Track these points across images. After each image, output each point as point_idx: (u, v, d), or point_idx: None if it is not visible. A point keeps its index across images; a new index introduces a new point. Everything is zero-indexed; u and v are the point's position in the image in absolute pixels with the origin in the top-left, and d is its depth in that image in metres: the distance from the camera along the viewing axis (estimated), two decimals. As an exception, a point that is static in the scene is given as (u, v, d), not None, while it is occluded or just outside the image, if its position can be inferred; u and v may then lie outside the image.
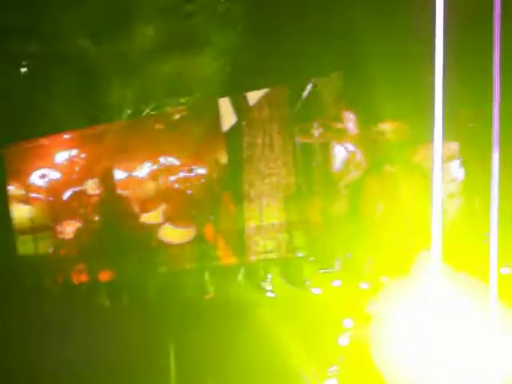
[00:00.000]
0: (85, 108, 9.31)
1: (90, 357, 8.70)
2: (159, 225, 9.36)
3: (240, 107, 8.72)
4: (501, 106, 4.03)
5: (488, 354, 4.91)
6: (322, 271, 8.61)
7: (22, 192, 9.81)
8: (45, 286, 9.60)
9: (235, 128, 8.75)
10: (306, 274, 8.67)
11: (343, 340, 8.23)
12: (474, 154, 7.65)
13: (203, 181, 9.28)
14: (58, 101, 9.21)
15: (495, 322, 4.41)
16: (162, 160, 9.35)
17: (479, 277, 7.27)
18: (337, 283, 8.46)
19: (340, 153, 8.39)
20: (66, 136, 9.60)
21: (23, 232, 9.77)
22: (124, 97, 9.25)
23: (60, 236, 9.70)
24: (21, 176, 9.77)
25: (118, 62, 9.19)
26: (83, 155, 9.60)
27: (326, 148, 8.46)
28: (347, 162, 8.38)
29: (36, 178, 9.75)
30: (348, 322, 8.24)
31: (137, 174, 9.44)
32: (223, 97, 8.79)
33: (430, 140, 4.04)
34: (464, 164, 7.90)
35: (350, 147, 8.37)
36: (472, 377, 6.07)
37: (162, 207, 9.40)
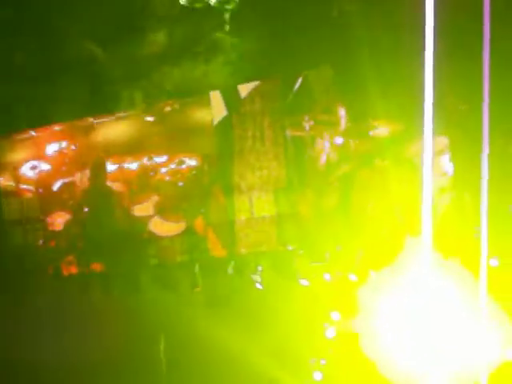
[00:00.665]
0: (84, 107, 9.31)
1: (79, 349, 8.72)
2: (150, 217, 9.36)
3: (231, 100, 8.72)
4: (491, 100, 4.04)
5: (476, 344, 4.93)
6: (312, 264, 8.62)
7: (11, 183, 9.78)
8: (35, 277, 9.58)
9: (226, 120, 8.75)
10: (296, 267, 8.68)
11: (333, 332, 8.26)
12: (464, 148, 7.66)
13: (194, 173, 9.28)
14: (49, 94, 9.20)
15: (484, 313, 4.43)
16: (152, 152, 9.34)
17: (469, 269, 7.32)
18: (327, 276, 8.47)
19: (331, 146, 8.39)
20: (57, 128, 9.58)
21: (13, 223, 9.75)
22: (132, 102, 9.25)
23: (50, 227, 9.68)
24: (11, 167, 9.75)
25: (123, 65, 9.18)
26: (73, 147, 9.59)
27: (316, 141, 8.46)
28: (338, 156, 8.39)
29: (26, 170, 9.73)
30: (337, 315, 8.27)
31: (127, 166, 9.43)
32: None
33: (421, 134, 4.05)
34: (454, 158, 7.92)
35: (341, 140, 8.38)
36: (461, 366, 6.10)
37: (153, 199, 9.40)
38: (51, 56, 9.20)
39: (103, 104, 9.27)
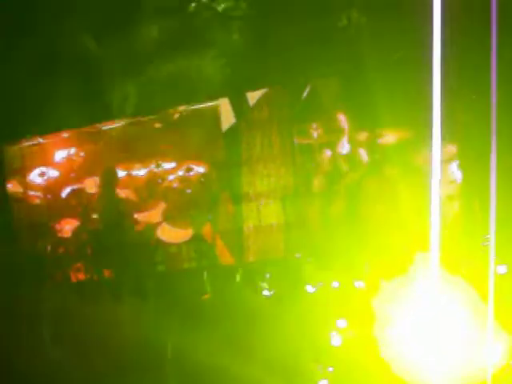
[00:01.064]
0: (86, 108, 9.30)
1: (85, 355, 8.72)
2: (158, 224, 9.37)
3: (239, 107, 8.73)
4: (499, 109, 4.04)
5: (482, 351, 4.93)
6: (320, 271, 8.62)
7: (21, 190, 9.81)
8: (43, 283, 9.61)
9: (234, 128, 8.77)
10: (304, 275, 8.68)
11: (340, 340, 8.24)
12: (472, 156, 7.65)
13: (202, 180, 9.29)
14: (59, 100, 9.20)
15: (491, 320, 4.43)
16: (160, 159, 9.36)
17: (477, 277, 7.30)
18: (335, 284, 8.47)
19: (338, 154, 8.40)
20: (65, 135, 9.61)
21: (22, 230, 9.77)
22: (126, 97, 9.24)
23: (59, 234, 9.70)
24: (20, 174, 9.78)
25: (120, 61, 9.18)
26: (82, 153, 9.61)
27: (324, 149, 8.47)
28: (346, 164, 8.39)
29: (35, 176, 9.76)
30: (343, 323, 8.26)
31: (135, 173, 9.45)
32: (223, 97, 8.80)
33: (429, 142, 4.05)
34: (463, 166, 7.91)
35: (349, 148, 8.38)
36: (466, 373, 6.09)
37: (161, 206, 9.41)
38: (45, 51, 9.17)
39: (98, 98, 9.24)
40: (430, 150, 4.00)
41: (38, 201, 9.80)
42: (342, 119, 8.37)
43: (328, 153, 8.45)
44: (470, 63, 7.23)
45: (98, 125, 9.47)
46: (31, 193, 9.77)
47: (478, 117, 7.33)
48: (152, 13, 9.11)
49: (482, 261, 7.20)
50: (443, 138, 3.97)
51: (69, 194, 9.70)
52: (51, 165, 9.68)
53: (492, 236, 4.56)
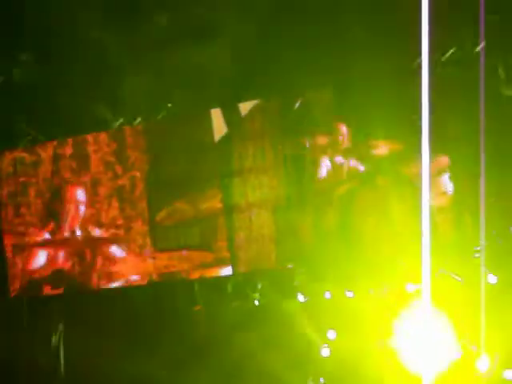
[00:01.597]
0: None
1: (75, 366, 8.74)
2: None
3: (231, 118, 8.74)
4: (488, 121, 4.07)
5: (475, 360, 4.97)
6: (312, 282, 8.63)
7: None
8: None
9: (226, 138, 8.77)
10: (296, 286, 8.68)
11: (331, 351, 8.26)
12: (464, 168, 7.67)
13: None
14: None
15: (482, 328, 4.45)
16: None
17: (468, 288, 7.32)
18: (327, 295, 8.48)
19: (331, 165, 8.40)
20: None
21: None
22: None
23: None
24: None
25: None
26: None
27: (317, 160, 8.47)
28: (338, 175, 8.40)
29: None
30: (335, 334, 8.27)
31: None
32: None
33: (420, 154, 4.07)
34: (454, 177, 7.92)
35: (341, 159, 8.39)
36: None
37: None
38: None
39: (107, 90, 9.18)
40: (422, 162, 4.02)
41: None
42: (335, 130, 8.38)
43: (320, 163, 8.46)
44: (460, 75, 7.25)
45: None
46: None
47: (469, 129, 7.35)
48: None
49: (473, 272, 7.24)
50: (435, 150, 3.98)
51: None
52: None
53: (482, 247, 4.58)
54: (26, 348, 9.30)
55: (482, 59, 3.57)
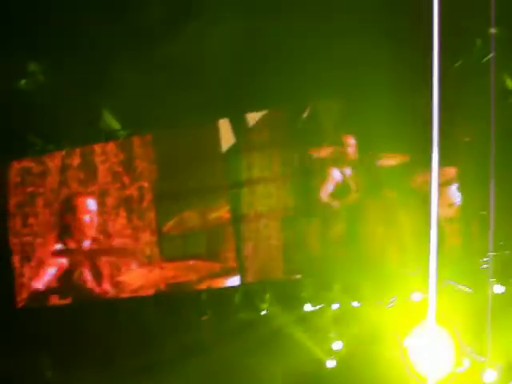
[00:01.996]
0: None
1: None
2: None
3: (239, 128, 8.76)
4: (498, 131, 4.08)
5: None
6: (320, 293, 8.63)
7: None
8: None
9: (234, 149, 8.79)
10: (303, 296, 8.68)
11: (340, 361, 8.25)
12: (471, 179, 7.68)
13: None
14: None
15: (489, 338, 4.45)
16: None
17: (475, 298, 7.32)
18: (335, 306, 8.47)
19: (338, 176, 8.42)
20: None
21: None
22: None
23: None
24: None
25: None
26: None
27: (324, 171, 8.49)
28: (345, 186, 8.41)
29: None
30: (342, 344, 8.26)
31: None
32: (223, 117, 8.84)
33: (429, 165, 4.07)
34: (462, 188, 7.93)
35: (349, 171, 8.40)
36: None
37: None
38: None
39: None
40: (430, 173, 4.03)
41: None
42: (342, 141, 8.40)
43: (328, 174, 8.47)
44: (469, 85, 7.27)
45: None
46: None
47: (477, 139, 7.37)
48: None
49: (481, 282, 7.24)
50: (443, 161, 3.99)
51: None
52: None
53: (490, 258, 4.58)
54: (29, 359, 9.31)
55: (492, 69, 3.58)
